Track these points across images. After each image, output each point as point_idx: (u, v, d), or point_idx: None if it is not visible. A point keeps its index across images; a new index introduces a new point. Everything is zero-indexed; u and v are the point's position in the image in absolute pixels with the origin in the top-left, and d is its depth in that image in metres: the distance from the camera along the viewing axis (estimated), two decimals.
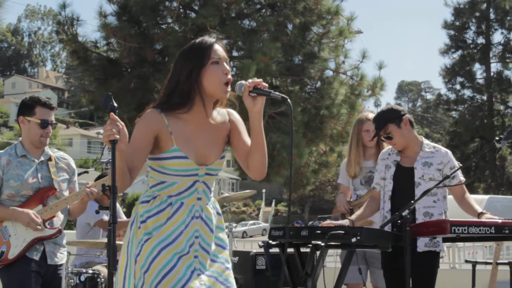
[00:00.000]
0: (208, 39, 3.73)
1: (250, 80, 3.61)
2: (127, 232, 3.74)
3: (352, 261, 5.07)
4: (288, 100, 3.55)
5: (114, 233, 3.20)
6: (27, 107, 5.45)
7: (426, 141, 5.75)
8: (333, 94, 16.62)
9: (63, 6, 16.55)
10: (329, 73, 17.64)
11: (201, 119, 3.74)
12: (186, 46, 3.77)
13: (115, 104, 3.42)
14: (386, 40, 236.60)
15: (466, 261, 8.56)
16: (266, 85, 3.60)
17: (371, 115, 6.78)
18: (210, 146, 3.76)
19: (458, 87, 45.84)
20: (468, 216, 5.42)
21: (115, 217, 3.20)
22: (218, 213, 3.88)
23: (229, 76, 3.67)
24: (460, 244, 12.60)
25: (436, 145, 5.79)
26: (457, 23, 45.84)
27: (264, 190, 64.55)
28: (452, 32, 45.64)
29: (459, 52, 45.77)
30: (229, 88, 3.68)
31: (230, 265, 3.85)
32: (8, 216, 5.27)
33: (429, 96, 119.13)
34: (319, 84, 17.53)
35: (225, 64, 3.69)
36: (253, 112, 3.62)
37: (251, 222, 60.09)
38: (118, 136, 3.33)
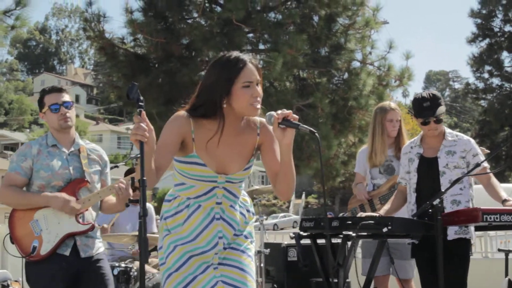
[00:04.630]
0: (242, 57, 3.64)
1: (279, 112, 3.52)
2: None
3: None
4: (316, 134, 3.47)
5: (145, 226, 3.21)
6: (39, 102, 5.46)
7: (448, 130, 5.70)
8: (361, 85, 16.62)
9: (90, 3, 16.74)
10: (356, 64, 17.60)
11: (227, 131, 3.67)
12: (219, 59, 3.69)
13: (141, 98, 3.42)
14: (413, 30, 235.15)
15: (499, 250, 8.50)
16: (296, 117, 3.51)
17: (394, 105, 6.77)
18: (233, 158, 3.74)
19: (486, 75, 45.39)
20: (498, 204, 5.37)
21: (145, 210, 3.22)
22: (247, 211, 3.91)
23: (259, 99, 3.61)
24: (492, 233, 12.48)
25: (458, 133, 5.75)
26: (484, 11, 45.42)
27: None
28: (478, 21, 45.23)
29: (487, 40, 45.30)
30: (258, 107, 3.61)
31: (251, 252, 3.87)
32: (41, 202, 5.12)
33: (457, 86, 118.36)
34: (346, 75, 17.50)
35: (256, 87, 3.61)
36: (283, 145, 3.56)
37: (282, 214, 59.84)
38: (146, 139, 3.32)
